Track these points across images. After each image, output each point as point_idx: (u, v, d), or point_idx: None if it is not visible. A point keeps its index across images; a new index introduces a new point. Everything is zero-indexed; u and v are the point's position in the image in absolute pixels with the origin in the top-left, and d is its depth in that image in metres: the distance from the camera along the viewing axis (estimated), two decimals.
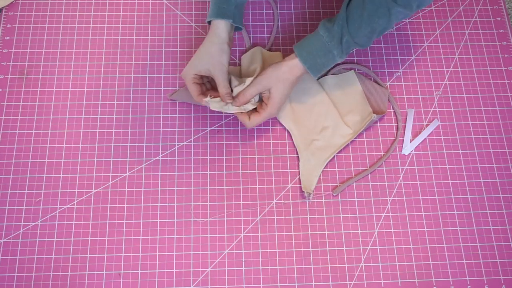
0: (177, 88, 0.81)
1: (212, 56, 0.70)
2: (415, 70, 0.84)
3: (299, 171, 0.77)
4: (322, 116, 0.79)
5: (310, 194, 0.74)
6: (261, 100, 0.75)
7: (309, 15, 0.87)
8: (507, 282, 0.72)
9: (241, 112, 0.74)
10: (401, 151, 0.78)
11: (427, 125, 0.80)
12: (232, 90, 0.73)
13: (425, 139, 0.79)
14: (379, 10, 0.67)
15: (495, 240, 0.74)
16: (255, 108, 0.75)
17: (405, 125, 0.80)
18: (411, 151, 0.78)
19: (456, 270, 0.72)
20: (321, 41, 0.70)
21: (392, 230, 0.74)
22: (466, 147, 0.79)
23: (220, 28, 0.70)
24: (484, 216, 0.75)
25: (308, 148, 0.77)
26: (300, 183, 0.76)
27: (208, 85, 0.76)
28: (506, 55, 0.85)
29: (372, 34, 0.69)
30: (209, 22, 0.72)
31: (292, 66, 0.71)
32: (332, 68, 0.82)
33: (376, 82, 0.82)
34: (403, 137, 0.79)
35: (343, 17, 0.68)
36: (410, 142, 0.79)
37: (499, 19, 0.87)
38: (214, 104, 0.72)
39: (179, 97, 0.80)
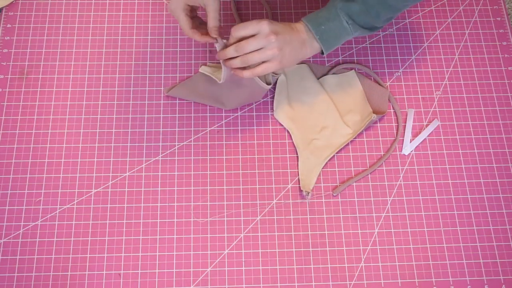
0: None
1: None
2: (415, 70, 0.84)
3: (297, 171, 0.77)
4: (322, 116, 0.79)
5: (308, 193, 0.74)
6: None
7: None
8: (507, 282, 0.72)
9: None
10: (401, 151, 0.78)
11: (427, 125, 0.80)
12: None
13: (425, 139, 0.79)
14: None
15: (495, 240, 0.74)
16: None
17: (405, 125, 0.80)
18: (411, 151, 0.78)
19: (456, 270, 0.72)
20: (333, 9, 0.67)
21: (392, 230, 0.74)
22: (466, 147, 0.79)
23: None
24: (484, 216, 0.75)
25: (307, 147, 0.77)
26: (300, 183, 0.76)
27: (198, 20, 0.72)
28: (506, 55, 0.85)
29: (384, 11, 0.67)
30: None
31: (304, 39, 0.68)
32: (332, 68, 0.82)
33: (376, 82, 0.82)
34: (403, 137, 0.79)
35: None
36: (410, 142, 0.79)
37: (499, 19, 0.87)
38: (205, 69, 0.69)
39: (177, 93, 0.80)
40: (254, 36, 0.65)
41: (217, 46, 0.67)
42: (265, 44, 0.65)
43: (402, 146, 0.78)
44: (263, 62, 0.66)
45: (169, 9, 0.69)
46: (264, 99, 0.81)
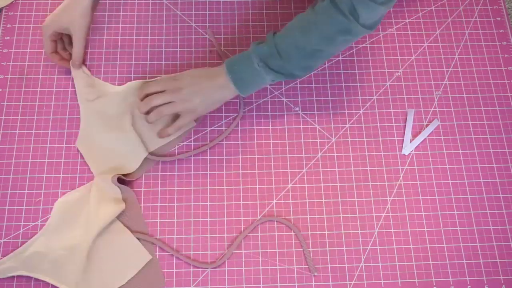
0: None
1: (74, 15, 0.72)
2: (415, 70, 0.84)
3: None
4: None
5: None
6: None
7: None
8: (507, 282, 0.72)
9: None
10: (401, 151, 0.78)
11: (427, 125, 0.80)
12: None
13: (425, 139, 0.79)
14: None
15: (495, 240, 0.74)
16: None
17: (404, 125, 0.80)
18: (411, 151, 0.78)
19: (456, 270, 0.72)
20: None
21: (392, 230, 0.74)
22: (466, 147, 0.79)
23: None
24: (484, 216, 0.75)
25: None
26: (300, 183, 0.76)
27: (62, 44, 0.79)
28: (506, 55, 0.85)
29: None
30: None
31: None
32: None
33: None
34: (403, 136, 0.79)
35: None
36: (410, 142, 0.79)
37: (499, 19, 0.87)
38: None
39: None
40: (161, 93, 0.72)
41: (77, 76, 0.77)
42: (172, 99, 0.71)
43: (402, 146, 0.78)
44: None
45: (43, 29, 0.75)
46: (264, 99, 0.81)
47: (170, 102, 0.72)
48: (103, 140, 0.75)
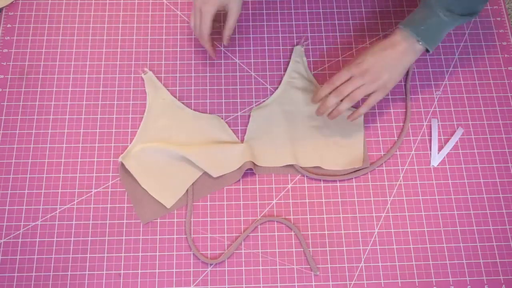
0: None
1: None
2: (415, 70, 0.84)
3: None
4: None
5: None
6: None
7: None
8: (507, 282, 0.72)
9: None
10: (400, 151, 0.78)
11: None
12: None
13: (425, 139, 0.79)
14: None
15: (495, 240, 0.74)
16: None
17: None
18: (439, 162, 0.78)
19: (456, 270, 0.72)
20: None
21: (392, 230, 0.74)
22: (466, 147, 0.79)
23: None
24: (484, 216, 0.75)
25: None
26: (300, 183, 0.76)
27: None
28: (506, 55, 0.85)
29: None
30: None
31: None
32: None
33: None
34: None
35: None
36: (438, 152, 0.78)
37: (499, 19, 0.87)
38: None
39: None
40: (350, 80, 0.72)
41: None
42: (362, 83, 0.71)
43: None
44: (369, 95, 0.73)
45: (202, 10, 0.74)
46: (264, 99, 0.81)
47: (360, 87, 0.72)
48: (272, 133, 0.78)
